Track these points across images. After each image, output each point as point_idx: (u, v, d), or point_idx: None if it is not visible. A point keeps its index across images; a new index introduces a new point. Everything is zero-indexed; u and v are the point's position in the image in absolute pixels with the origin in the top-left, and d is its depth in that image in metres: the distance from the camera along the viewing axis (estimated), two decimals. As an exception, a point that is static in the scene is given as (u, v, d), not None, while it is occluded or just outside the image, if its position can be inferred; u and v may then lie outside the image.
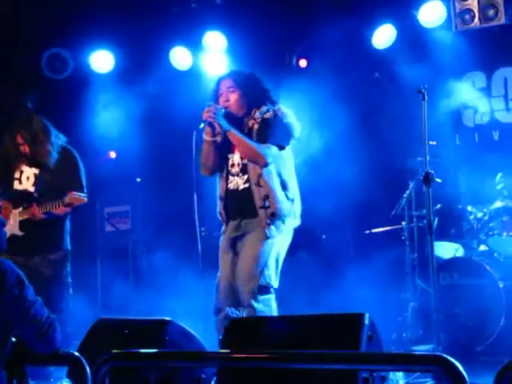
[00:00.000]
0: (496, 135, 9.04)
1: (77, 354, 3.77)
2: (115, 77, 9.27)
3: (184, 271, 8.50)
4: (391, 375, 4.76)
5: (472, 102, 9.09)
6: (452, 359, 2.50)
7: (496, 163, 8.21)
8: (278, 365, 3.24)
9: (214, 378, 4.16)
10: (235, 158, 5.81)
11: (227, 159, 5.85)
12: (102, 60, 9.24)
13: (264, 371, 3.88)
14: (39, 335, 3.71)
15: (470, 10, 7.79)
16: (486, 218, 7.63)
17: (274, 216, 5.60)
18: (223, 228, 5.90)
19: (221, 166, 5.88)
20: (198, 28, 8.85)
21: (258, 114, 5.74)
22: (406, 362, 2.70)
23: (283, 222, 5.66)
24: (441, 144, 8.03)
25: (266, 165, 5.60)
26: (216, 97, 5.89)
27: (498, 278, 7.15)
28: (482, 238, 7.65)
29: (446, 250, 7.74)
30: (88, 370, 3.64)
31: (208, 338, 4.92)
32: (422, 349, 7.17)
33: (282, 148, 5.68)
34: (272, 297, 5.61)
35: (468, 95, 9.15)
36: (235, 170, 5.79)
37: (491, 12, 7.70)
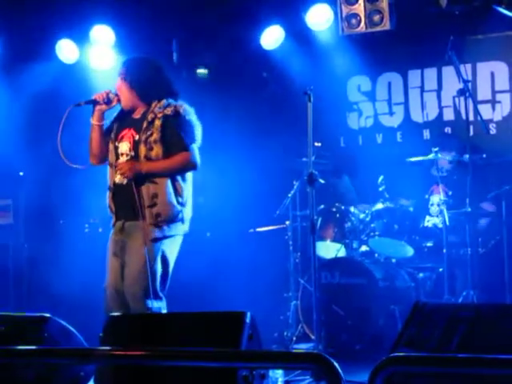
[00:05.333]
0: (379, 138, 9.23)
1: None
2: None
3: (68, 267, 8.39)
4: (271, 373, 4.81)
5: (357, 105, 9.28)
6: (329, 357, 2.53)
7: (378, 166, 8.39)
8: (158, 362, 3.21)
9: (93, 376, 4.12)
10: (124, 147, 5.54)
11: (116, 148, 5.57)
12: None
13: (143, 369, 3.86)
14: None
15: (356, 15, 7.91)
16: (368, 219, 7.80)
17: (160, 217, 5.36)
18: (112, 221, 5.61)
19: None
20: (85, 21, 8.70)
21: (157, 108, 5.46)
22: (285, 360, 2.71)
23: (169, 227, 5.42)
24: (326, 145, 8.16)
25: (195, 167, 5.48)
26: None
27: (378, 277, 7.31)
28: (363, 238, 7.81)
29: (328, 249, 7.84)
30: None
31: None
32: (302, 347, 7.25)
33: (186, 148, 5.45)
34: (162, 305, 5.42)
35: (353, 98, 9.34)
36: (123, 160, 5.50)
37: (377, 17, 7.83)
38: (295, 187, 7.91)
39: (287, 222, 8.09)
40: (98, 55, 8.89)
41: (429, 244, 7.74)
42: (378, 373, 2.53)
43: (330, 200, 7.98)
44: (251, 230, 8.66)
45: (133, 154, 5.48)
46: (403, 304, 7.09)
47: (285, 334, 7.65)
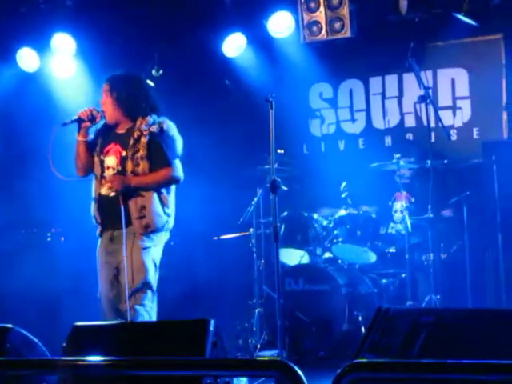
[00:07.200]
0: (342, 145, 9.27)
1: None
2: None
3: (30, 277, 8.32)
4: (235, 381, 4.81)
5: (319, 112, 9.31)
6: (292, 364, 2.53)
7: (341, 172, 8.43)
8: (121, 372, 3.20)
9: (56, 386, 4.08)
10: (110, 161, 5.74)
11: (102, 161, 5.77)
12: None
13: (107, 379, 3.84)
14: None
15: (317, 22, 7.94)
16: (331, 225, 7.82)
17: (149, 228, 5.61)
18: (98, 230, 5.80)
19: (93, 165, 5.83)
20: (46, 29, 8.64)
21: (144, 126, 5.68)
22: (248, 368, 2.72)
23: (156, 235, 5.68)
24: (288, 152, 8.18)
25: (179, 181, 5.75)
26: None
27: (342, 284, 7.34)
28: (326, 245, 7.83)
29: (291, 256, 7.86)
30: None
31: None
32: (267, 354, 7.25)
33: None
34: (155, 305, 5.70)
35: (315, 105, 9.37)
36: (109, 174, 5.71)
37: (338, 25, 7.87)
38: (258, 194, 7.91)
39: (251, 230, 8.09)
40: (59, 64, 8.84)
41: (391, 250, 7.79)
42: (341, 379, 2.53)
43: (293, 207, 8.00)
44: (215, 238, 8.65)
45: (120, 168, 5.70)
46: (366, 310, 7.13)
47: (249, 341, 7.64)
